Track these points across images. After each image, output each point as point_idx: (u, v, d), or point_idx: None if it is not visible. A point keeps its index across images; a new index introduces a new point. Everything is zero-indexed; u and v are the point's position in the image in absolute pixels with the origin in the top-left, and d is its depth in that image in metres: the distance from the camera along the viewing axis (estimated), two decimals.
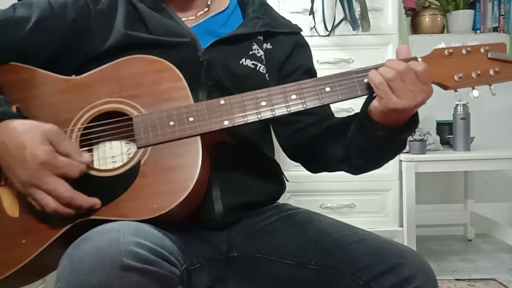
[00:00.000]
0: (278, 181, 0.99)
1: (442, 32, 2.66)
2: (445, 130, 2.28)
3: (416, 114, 0.82)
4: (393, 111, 0.77)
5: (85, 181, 0.77)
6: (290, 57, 1.01)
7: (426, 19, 2.63)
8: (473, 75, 0.80)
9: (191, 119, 0.79)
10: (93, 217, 0.75)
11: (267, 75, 0.96)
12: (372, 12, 2.00)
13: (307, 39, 1.06)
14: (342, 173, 0.96)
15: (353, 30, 2.00)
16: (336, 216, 0.93)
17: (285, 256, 0.85)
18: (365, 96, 0.82)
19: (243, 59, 0.94)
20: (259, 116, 0.80)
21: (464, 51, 0.81)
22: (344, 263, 0.79)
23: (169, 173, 0.76)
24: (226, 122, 0.79)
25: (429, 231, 2.56)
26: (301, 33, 1.05)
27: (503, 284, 1.88)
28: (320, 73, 0.95)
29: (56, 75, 0.86)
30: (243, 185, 0.91)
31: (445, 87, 0.82)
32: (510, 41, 2.58)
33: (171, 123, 0.79)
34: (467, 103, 2.09)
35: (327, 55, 2.01)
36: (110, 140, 0.84)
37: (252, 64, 0.94)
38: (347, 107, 1.83)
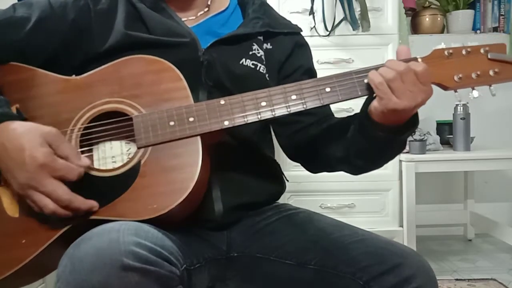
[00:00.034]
0: (278, 181, 1.00)
1: (442, 32, 2.66)
2: (445, 130, 2.29)
3: (416, 115, 0.82)
4: (393, 112, 0.77)
5: (85, 181, 0.77)
6: (290, 57, 1.01)
7: (426, 19, 2.63)
8: (473, 75, 0.80)
9: (191, 119, 0.79)
10: (93, 217, 0.75)
11: (267, 75, 0.96)
12: (372, 12, 2.00)
13: (307, 39, 1.06)
14: (342, 173, 0.96)
15: (353, 30, 2.00)
16: (336, 216, 0.93)
17: (285, 256, 0.85)
18: (365, 97, 0.82)
19: (243, 59, 0.94)
20: (259, 116, 0.80)
21: (464, 52, 0.81)
22: (344, 263, 0.79)
23: (169, 173, 0.76)
24: (226, 122, 0.79)
25: (429, 231, 2.56)
26: (301, 33, 1.05)
27: (503, 284, 1.89)
28: (320, 73, 0.95)
29: (56, 75, 0.86)
30: (243, 185, 0.91)
31: (445, 88, 0.82)
32: (510, 41, 2.58)
33: (171, 123, 0.79)
34: (467, 103, 2.09)
35: (327, 55, 2.01)
36: (110, 140, 0.84)
37: (252, 64, 0.94)
38: (347, 107, 1.83)
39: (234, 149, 0.91)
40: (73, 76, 0.87)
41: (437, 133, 2.25)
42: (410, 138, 1.96)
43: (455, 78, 0.80)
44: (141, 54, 0.84)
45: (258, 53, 0.96)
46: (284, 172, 1.01)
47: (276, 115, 0.80)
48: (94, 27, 0.90)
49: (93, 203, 0.75)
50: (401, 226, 2.03)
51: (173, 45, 0.89)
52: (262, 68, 0.95)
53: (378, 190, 2.04)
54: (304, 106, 0.80)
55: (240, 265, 0.89)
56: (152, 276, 0.62)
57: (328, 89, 0.80)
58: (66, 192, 0.73)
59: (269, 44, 0.99)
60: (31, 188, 0.73)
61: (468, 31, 2.61)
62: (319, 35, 2.02)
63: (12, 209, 0.79)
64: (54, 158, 0.74)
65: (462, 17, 2.60)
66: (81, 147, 0.82)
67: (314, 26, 2.01)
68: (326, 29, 2.02)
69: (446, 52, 0.81)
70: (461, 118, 2.08)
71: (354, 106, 1.84)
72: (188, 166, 0.76)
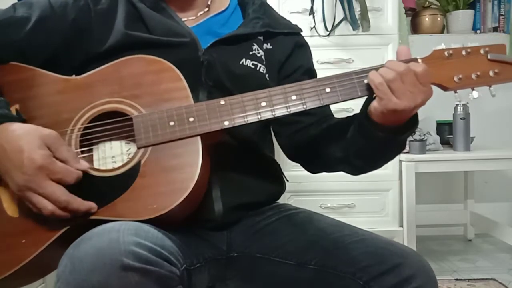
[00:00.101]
0: (278, 181, 1.00)
1: (442, 32, 2.66)
2: (445, 130, 2.29)
3: (416, 115, 0.82)
4: (393, 112, 0.77)
5: (85, 181, 0.77)
6: (290, 57, 1.01)
7: (426, 19, 2.63)
8: (473, 76, 0.80)
9: (191, 119, 0.79)
10: (93, 217, 0.75)
11: (267, 75, 0.96)
12: (372, 12, 2.00)
13: (307, 39, 1.06)
14: (342, 173, 0.96)
15: (353, 30, 2.00)
16: (336, 216, 0.93)
17: (285, 256, 0.85)
18: (365, 97, 0.82)
19: (243, 59, 0.94)
20: (259, 116, 0.80)
21: (464, 52, 0.81)
22: (344, 263, 0.79)
23: (169, 173, 0.76)
24: (226, 123, 0.79)
25: (429, 231, 2.56)
26: (301, 33, 1.05)
27: (503, 284, 1.89)
28: (320, 73, 0.95)
29: (56, 75, 0.86)
30: (243, 185, 0.91)
31: (445, 88, 0.82)
32: (510, 41, 2.58)
33: (171, 123, 0.79)
34: (467, 103, 2.09)
35: (327, 55, 2.01)
36: (110, 140, 0.84)
37: (252, 64, 0.94)
38: (347, 107, 1.83)
39: (234, 149, 0.91)
40: (73, 76, 0.87)
41: (437, 133, 2.25)
42: (410, 138, 1.96)
43: (455, 78, 0.80)
44: (141, 54, 0.84)
45: (258, 53, 0.96)
46: (284, 172, 1.01)
47: (276, 115, 0.80)
48: (94, 27, 0.90)
49: (91, 204, 0.75)
50: (401, 226, 2.03)
51: (173, 45, 0.89)
52: (262, 68, 0.95)
53: (378, 190, 2.04)
54: (304, 106, 0.80)
55: (240, 265, 0.89)
56: (152, 276, 0.62)
57: (328, 90, 0.80)
58: (65, 193, 0.73)
59: (269, 44, 0.99)
60: (29, 190, 0.73)
61: (468, 31, 2.61)
62: (319, 35, 2.02)
63: (12, 209, 0.79)
64: (53, 160, 0.74)
65: (462, 17, 2.60)
66: (81, 147, 0.82)
67: (314, 26, 2.01)
68: (326, 29, 2.02)
69: (446, 53, 0.81)
70: (461, 118, 2.08)
71: (354, 106, 1.84)
72: (188, 166, 0.76)
